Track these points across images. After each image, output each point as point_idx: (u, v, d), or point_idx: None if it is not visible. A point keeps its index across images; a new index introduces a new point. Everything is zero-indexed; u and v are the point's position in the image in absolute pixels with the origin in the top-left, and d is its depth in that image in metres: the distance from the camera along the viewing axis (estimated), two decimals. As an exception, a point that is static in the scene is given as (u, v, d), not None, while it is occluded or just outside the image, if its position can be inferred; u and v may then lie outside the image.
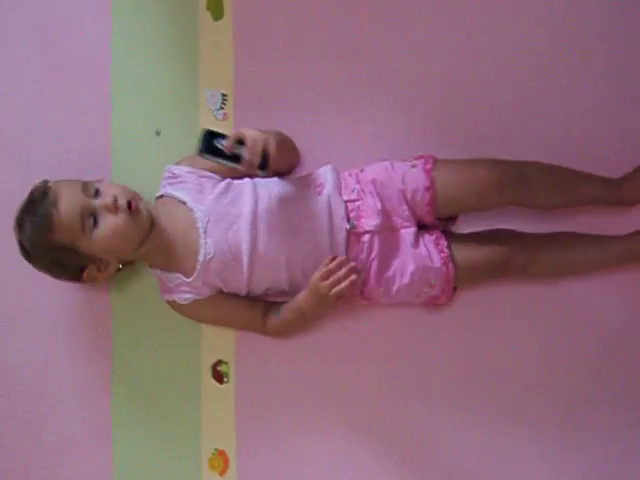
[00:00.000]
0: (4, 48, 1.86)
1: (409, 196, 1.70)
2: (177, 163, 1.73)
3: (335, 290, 1.62)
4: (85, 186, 1.62)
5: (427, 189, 1.69)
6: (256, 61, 1.82)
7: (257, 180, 1.71)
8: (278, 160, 1.60)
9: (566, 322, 1.81)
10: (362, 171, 1.74)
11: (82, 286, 1.81)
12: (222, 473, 1.83)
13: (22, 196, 1.64)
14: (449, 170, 1.70)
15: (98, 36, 1.83)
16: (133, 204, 1.61)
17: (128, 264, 1.72)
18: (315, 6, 1.82)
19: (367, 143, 1.81)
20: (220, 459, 1.83)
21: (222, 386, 1.83)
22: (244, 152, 1.55)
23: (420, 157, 1.74)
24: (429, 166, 1.70)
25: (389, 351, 1.81)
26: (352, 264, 1.63)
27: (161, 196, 1.72)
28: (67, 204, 1.59)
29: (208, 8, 1.82)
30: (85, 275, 1.66)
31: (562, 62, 1.80)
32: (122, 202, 1.60)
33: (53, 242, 1.60)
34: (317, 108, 1.82)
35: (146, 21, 1.83)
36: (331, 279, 1.62)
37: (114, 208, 1.59)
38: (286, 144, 1.73)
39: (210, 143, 1.57)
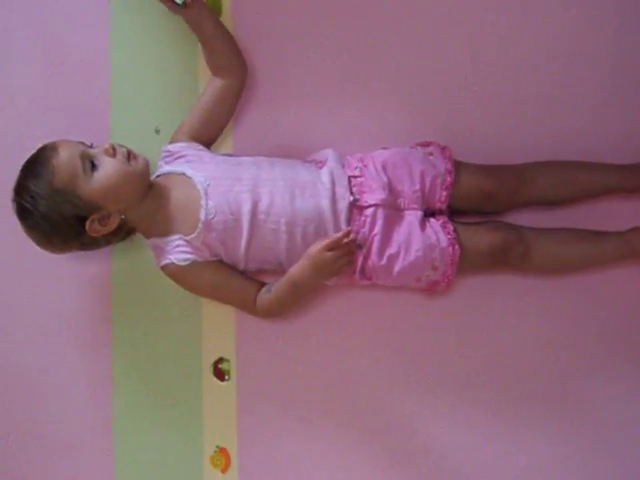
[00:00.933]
0: (3, 48, 1.86)
1: (429, 179, 1.72)
2: (171, 141, 1.75)
3: (342, 260, 1.64)
4: (82, 142, 1.65)
5: (449, 172, 1.72)
6: (255, 57, 1.81)
7: (257, 157, 1.74)
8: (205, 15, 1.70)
9: (563, 315, 1.82)
10: (365, 154, 1.75)
11: (81, 287, 1.83)
12: (224, 470, 1.84)
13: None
14: (467, 165, 1.76)
15: (97, 35, 1.83)
16: (131, 152, 1.64)
17: (129, 232, 1.71)
18: (317, 3, 1.82)
19: (369, 133, 1.82)
20: (222, 457, 1.84)
21: (223, 384, 1.83)
22: None
23: (424, 144, 1.78)
24: (448, 153, 1.75)
25: (392, 346, 1.82)
26: (354, 236, 1.64)
27: (157, 177, 1.72)
28: (66, 149, 1.61)
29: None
30: (87, 226, 1.62)
31: (568, 54, 1.81)
32: (121, 149, 1.63)
33: (53, 187, 1.59)
34: (318, 99, 1.83)
35: (145, 20, 1.83)
36: (337, 250, 1.62)
37: (112, 151, 1.61)
38: (230, 37, 1.76)
39: None
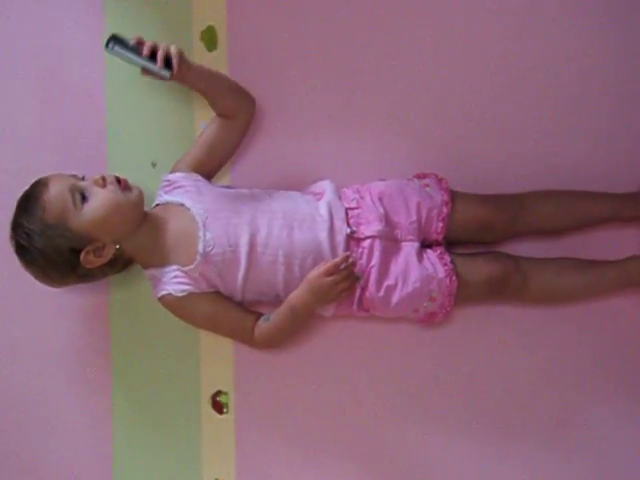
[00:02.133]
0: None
1: (425, 210, 1.72)
2: (172, 171, 1.75)
3: (342, 286, 1.63)
4: (74, 175, 1.66)
5: (446, 203, 1.72)
6: (251, 90, 1.81)
7: (256, 190, 1.74)
8: (195, 76, 1.66)
9: (561, 345, 1.82)
10: (362, 185, 1.76)
11: (79, 319, 1.83)
12: (223, 503, 1.84)
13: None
14: (464, 196, 1.76)
15: (93, 68, 1.84)
16: (122, 181, 1.64)
17: (127, 263, 1.71)
18: (311, 32, 1.83)
19: (365, 163, 1.83)
20: (221, 489, 1.84)
21: (222, 416, 1.83)
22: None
23: (421, 175, 1.78)
24: (445, 185, 1.74)
25: (390, 377, 1.82)
26: (352, 260, 1.64)
27: (156, 205, 1.73)
28: (56, 183, 1.62)
29: (202, 39, 1.83)
30: (82, 258, 1.63)
31: (566, 83, 1.82)
32: (111, 178, 1.63)
33: (45, 222, 1.60)
34: (313, 130, 1.84)
35: (140, 53, 1.84)
36: (336, 275, 1.62)
37: (102, 181, 1.62)
38: (227, 82, 1.74)
39: (119, 42, 1.62)
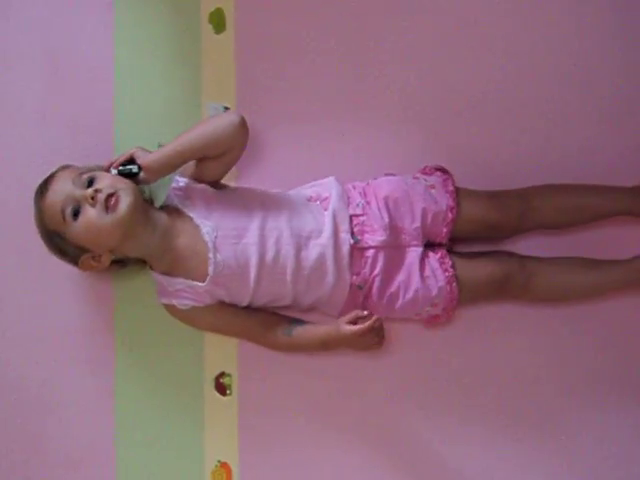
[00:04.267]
0: (6, 64, 1.85)
1: (430, 216, 1.71)
2: (181, 174, 1.73)
3: (377, 341, 1.66)
4: (80, 175, 1.62)
5: (451, 209, 1.71)
6: (258, 74, 1.83)
7: (265, 198, 1.72)
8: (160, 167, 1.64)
9: (566, 343, 1.85)
10: (368, 184, 1.75)
11: (84, 300, 1.83)
12: (226, 485, 1.84)
13: (23, 216, 1.71)
14: (470, 195, 1.75)
15: (100, 50, 1.84)
16: (112, 200, 1.59)
17: (129, 262, 1.71)
18: (319, 18, 1.85)
19: (371, 155, 1.84)
20: (223, 471, 1.83)
21: (225, 398, 1.83)
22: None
23: (427, 171, 1.78)
24: (451, 188, 1.73)
25: (392, 364, 1.84)
26: (378, 317, 1.64)
27: (167, 206, 1.71)
28: (53, 192, 1.61)
29: (210, 21, 1.84)
30: (80, 263, 1.65)
31: (574, 74, 1.86)
32: (101, 196, 1.59)
33: (46, 227, 1.63)
34: (319, 120, 1.85)
35: (148, 35, 1.84)
36: (370, 333, 1.64)
37: (92, 200, 1.59)
38: (198, 149, 1.67)
39: None
